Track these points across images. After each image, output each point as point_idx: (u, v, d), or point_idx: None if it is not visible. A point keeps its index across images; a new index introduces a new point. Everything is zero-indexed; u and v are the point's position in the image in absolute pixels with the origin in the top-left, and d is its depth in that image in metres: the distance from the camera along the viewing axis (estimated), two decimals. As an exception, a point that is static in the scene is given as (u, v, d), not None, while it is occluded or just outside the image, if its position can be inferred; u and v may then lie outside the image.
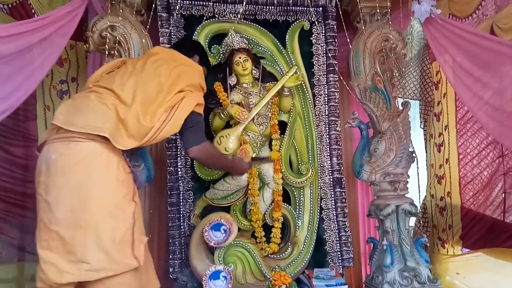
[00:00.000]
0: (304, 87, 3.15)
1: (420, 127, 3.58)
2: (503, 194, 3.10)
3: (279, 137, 3.06)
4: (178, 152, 3.04)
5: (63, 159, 1.70)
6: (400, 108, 2.99)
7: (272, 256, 2.95)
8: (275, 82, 3.03)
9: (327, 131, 3.15)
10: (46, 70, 2.48)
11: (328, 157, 3.14)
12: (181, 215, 2.97)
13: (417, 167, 3.03)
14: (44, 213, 1.69)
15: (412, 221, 3.28)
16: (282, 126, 3.12)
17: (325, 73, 3.17)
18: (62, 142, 1.74)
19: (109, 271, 1.67)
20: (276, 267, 2.85)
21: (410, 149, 2.99)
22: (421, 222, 3.50)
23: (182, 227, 2.97)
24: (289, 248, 2.99)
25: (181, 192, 3.00)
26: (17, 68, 2.27)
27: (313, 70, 3.18)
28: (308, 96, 3.16)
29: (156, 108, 1.87)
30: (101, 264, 1.66)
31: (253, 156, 2.70)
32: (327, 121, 3.15)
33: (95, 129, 1.72)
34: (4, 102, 2.26)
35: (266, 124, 3.04)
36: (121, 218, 1.71)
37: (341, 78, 3.16)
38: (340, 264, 3.08)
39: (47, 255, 1.67)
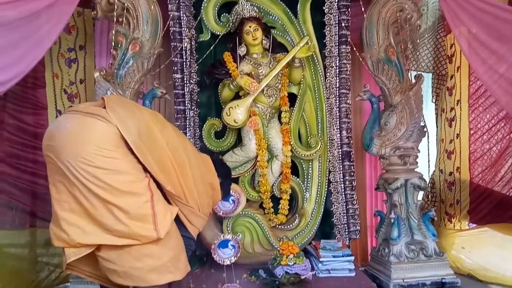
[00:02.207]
0: (315, 58, 3.09)
1: (432, 101, 3.53)
2: (513, 170, 3.09)
3: (288, 109, 3.04)
4: (187, 123, 3.02)
5: (77, 129, 1.71)
6: (413, 81, 2.93)
7: (279, 226, 2.98)
8: (286, 53, 2.98)
9: (337, 103, 3.11)
10: (54, 37, 2.45)
11: (338, 130, 3.11)
12: (189, 185, 2.98)
13: (428, 142, 3.00)
14: (64, 177, 1.69)
15: (420, 195, 3.28)
16: (292, 98, 3.08)
17: (337, 44, 3.10)
18: (84, 116, 1.75)
19: (130, 241, 1.69)
20: (284, 237, 2.89)
21: (422, 123, 2.96)
22: (428, 197, 3.50)
23: (190, 197, 2.98)
24: (296, 220, 3.01)
25: (189, 163, 3.00)
26: (25, 34, 2.24)
27: (324, 41, 3.11)
28: (319, 68, 3.10)
29: None
30: (122, 233, 1.68)
31: None
32: (337, 94, 3.11)
33: (126, 130, 1.73)
34: (13, 69, 2.24)
35: (275, 96, 3.01)
36: (135, 193, 1.72)
37: (354, 49, 3.09)
38: (347, 236, 3.10)
39: (69, 217, 1.69)
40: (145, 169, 1.79)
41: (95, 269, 1.83)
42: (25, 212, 2.80)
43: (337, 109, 3.11)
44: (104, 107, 1.77)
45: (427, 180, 3.12)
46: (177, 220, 1.92)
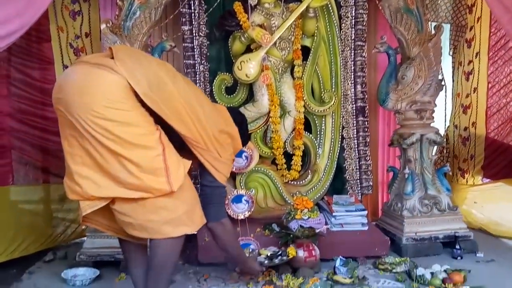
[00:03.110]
0: (330, 8, 2.95)
1: (449, 54, 3.41)
2: (532, 124, 3.03)
3: (301, 63, 2.94)
4: (197, 78, 2.95)
5: (85, 80, 1.65)
6: (432, 32, 2.81)
7: (292, 182, 2.97)
8: (299, 3, 2.83)
9: (353, 57, 3.01)
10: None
11: (352, 84, 3.03)
12: (201, 141, 2.95)
13: (445, 96, 2.92)
14: (75, 130, 1.66)
15: (434, 151, 3.24)
16: (305, 51, 2.98)
17: (353, -8, 2.95)
18: (92, 67, 1.68)
19: (143, 193, 1.67)
20: (297, 192, 2.89)
21: (440, 77, 2.86)
22: (442, 153, 3.47)
23: (202, 153, 2.96)
24: (309, 175, 3.00)
25: (200, 119, 2.95)
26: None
27: (340, -11, 2.96)
28: (333, 18, 2.97)
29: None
30: (136, 186, 1.66)
31: (268, 254, 2.32)
32: (352, 46, 3.00)
33: (136, 82, 1.66)
34: (16, 21, 2.15)
35: (288, 49, 2.91)
36: (147, 146, 1.68)
37: (371, -2, 2.94)
38: (359, 191, 3.10)
39: (82, 170, 1.68)
40: (156, 122, 1.75)
41: (111, 221, 1.83)
42: (37, 168, 2.79)
43: (352, 62, 3.01)
44: (112, 58, 1.70)
45: (444, 135, 3.07)
46: (203, 169, 1.92)
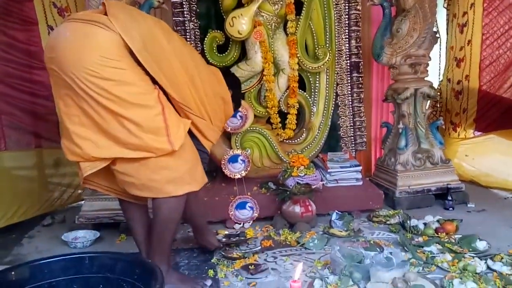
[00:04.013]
0: (323, -41, 2.85)
1: (443, 6, 3.34)
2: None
3: (294, 18, 2.87)
4: (187, 36, 2.88)
5: (78, 38, 1.59)
6: (428, -18, 2.74)
7: (287, 141, 2.98)
8: (292, -46, 2.73)
9: (347, 10, 2.94)
10: None
11: (347, 39, 2.98)
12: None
13: (439, 48, 2.89)
14: (69, 89, 1.61)
15: (427, 105, 3.25)
16: (298, 5, 2.89)
17: None
18: (84, 24, 1.62)
19: (145, 153, 1.65)
20: (292, 151, 2.90)
21: (434, 29, 2.82)
22: (434, 107, 3.48)
23: (197, 114, 2.93)
24: (304, 134, 3.01)
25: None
26: None
27: None
28: (327, -30, 2.87)
29: None
30: (136, 146, 1.64)
31: (225, 240, 2.25)
32: (347, -1, 2.92)
33: (130, 39, 1.60)
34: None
35: (281, 3, 2.82)
36: (146, 105, 1.64)
37: None
38: (353, 148, 3.13)
39: (80, 130, 1.64)
40: (154, 81, 1.71)
41: (112, 183, 1.82)
42: (29, 133, 2.74)
43: (346, 16, 2.95)
44: (105, 14, 1.63)
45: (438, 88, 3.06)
46: (190, 133, 1.88)
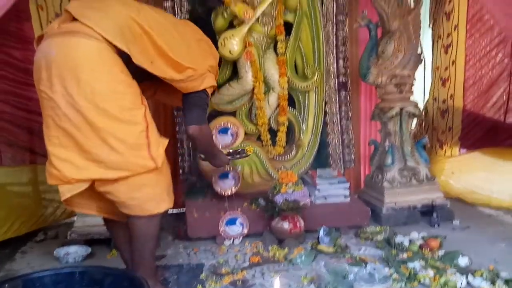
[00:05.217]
0: (312, -17, 2.96)
1: (429, 26, 3.46)
2: (507, 95, 3.13)
3: (284, 38, 2.96)
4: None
5: (65, 53, 1.61)
6: (412, 5, 2.85)
7: (277, 158, 3.04)
8: (281, -22, 2.83)
9: (335, 31, 3.05)
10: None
11: (335, 59, 3.09)
12: (187, 120, 2.99)
13: (424, 69, 2.99)
14: (51, 110, 1.63)
15: (414, 124, 3.35)
16: (288, 27, 2.99)
17: (334, -34, 2.96)
18: (64, 37, 1.63)
19: (125, 171, 1.67)
20: (282, 167, 2.97)
21: (419, 50, 2.93)
22: (421, 125, 3.57)
23: (189, 131, 3.00)
24: (293, 151, 3.07)
25: (186, 97, 2.97)
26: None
27: (321, -37, 2.96)
28: (315, -7, 2.98)
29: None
30: (118, 164, 1.66)
31: (230, 151, 2.55)
32: (334, 21, 3.04)
33: (108, 32, 1.63)
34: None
35: (271, 24, 2.92)
36: (132, 121, 1.68)
37: (351, -28, 2.96)
38: (342, 165, 3.21)
39: (60, 152, 1.64)
40: (140, 81, 1.76)
41: (92, 200, 1.83)
42: (24, 149, 2.79)
43: (334, 37, 3.06)
44: (74, 19, 1.65)
45: (423, 107, 3.15)
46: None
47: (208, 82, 1.97)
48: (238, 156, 2.51)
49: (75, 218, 2.71)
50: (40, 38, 1.76)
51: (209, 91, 2.03)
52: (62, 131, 1.64)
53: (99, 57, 1.63)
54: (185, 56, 1.83)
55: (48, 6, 2.82)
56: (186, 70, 1.83)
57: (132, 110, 1.70)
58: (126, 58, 1.69)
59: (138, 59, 1.69)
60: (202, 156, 2.36)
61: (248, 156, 2.58)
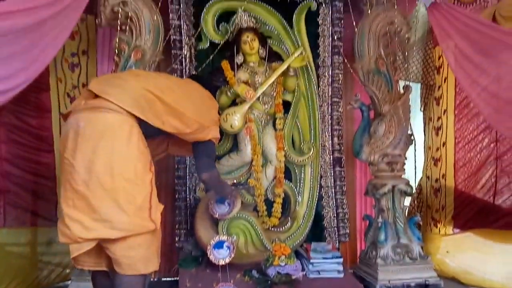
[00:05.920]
0: (309, 68, 3.23)
1: (420, 110, 3.68)
2: (495, 178, 3.24)
3: (282, 116, 3.17)
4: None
5: (91, 126, 1.85)
6: (402, 91, 3.08)
7: (272, 229, 3.10)
8: (281, 62, 3.11)
9: (330, 111, 3.25)
10: (61, 43, 2.52)
11: (330, 137, 3.26)
12: (187, 188, 3.11)
13: (415, 149, 3.14)
14: (70, 175, 1.82)
15: (408, 200, 3.42)
16: (286, 105, 3.21)
17: (330, 54, 3.25)
18: (90, 112, 1.89)
19: (129, 231, 1.83)
20: (276, 239, 3.01)
21: (409, 132, 3.10)
22: (415, 202, 3.65)
23: (188, 199, 3.11)
24: (289, 222, 3.14)
25: (188, 166, 3.12)
26: (34, 41, 2.31)
27: (318, 51, 3.25)
28: (312, 77, 3.24)
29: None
30: (123, 224, 1.81)
31: (234, 182, 2.97)
32: (330, 102, 3.25)
33: (126, 103, 1.89)
34: (22, 75, 2.33)
35: (271, 103, 3.14)
36: (141, 185, 1.88)
37: (345, 60, 3.23)
38: (337, 239, 3.24)
39: (72, 213, 1.81)
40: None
41: (97, 257, 1.96)
42: (26, 211, 2.88)
43: (329, 116, 3.25)
44: (96, 96, 1.91)
45: (414, 186, 3.25)
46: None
47: (213, 134, 2.28)
48: (241, 187, 2.92)
49: (69, 282, 2.71)
50: (67, 114, 2.00)
51: (215, 141, 2.34)
52: (77, 194, 1.82)
53: (119, 128, 1.87)
54: (192, 111, 2.11)
55: (67, 78, 3.09)
56: (193, 123, 2.11)
57: (144, 174, 1.90)
58: (143, 121, 1.95)
59: (153, 122, 1.96)
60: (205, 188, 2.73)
61: (250, 187, 2.97)
